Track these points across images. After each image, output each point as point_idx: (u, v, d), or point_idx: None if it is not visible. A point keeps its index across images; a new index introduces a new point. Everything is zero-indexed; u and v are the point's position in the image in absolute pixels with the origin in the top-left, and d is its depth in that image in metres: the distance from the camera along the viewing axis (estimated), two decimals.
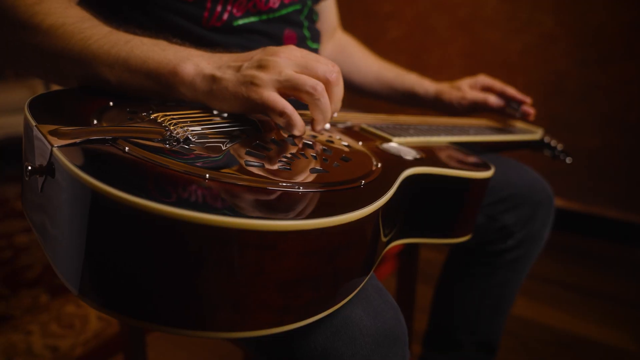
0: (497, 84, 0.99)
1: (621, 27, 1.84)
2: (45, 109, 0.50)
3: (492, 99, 0.98)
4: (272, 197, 0.42)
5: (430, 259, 1.53)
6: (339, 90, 0.58)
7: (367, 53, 1.12)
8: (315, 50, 0.91)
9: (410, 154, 0.66)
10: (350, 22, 2.44)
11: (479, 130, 0.92)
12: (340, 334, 0.49)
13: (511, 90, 0.98)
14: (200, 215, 0.35)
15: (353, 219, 0.42)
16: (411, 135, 0.76)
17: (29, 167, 0.42)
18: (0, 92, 2.41)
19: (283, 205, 0.42)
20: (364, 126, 0.76)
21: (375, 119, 0.84)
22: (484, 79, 1.00)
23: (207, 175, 0.42)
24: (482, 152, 0.97)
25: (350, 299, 0.49)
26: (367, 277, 0.52)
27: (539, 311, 1.57)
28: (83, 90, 0.60)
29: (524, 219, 0.88)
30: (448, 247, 1.03)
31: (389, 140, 0.71)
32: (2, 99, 2.37)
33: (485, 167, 0.70)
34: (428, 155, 0.69)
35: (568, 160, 1.06)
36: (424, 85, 1.05)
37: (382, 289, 0.56)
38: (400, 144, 0.71)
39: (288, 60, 0.56)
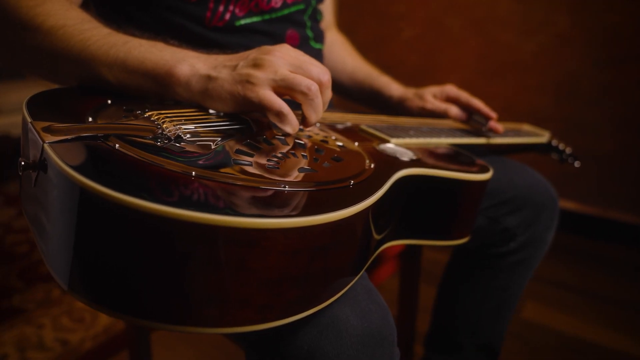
0: (463, 96, 0.95)
1: (636, 28, 1.81)
2: (43, 107, 0.52)
3: (453, 111, 0.94)
4: (256, 195, 0.42)
5: (435, 259, 1.52)
6: (329, 93, 0.59)
7: (347, 52, 1.10)
8: (319, 51, 0.91)
9: (407, 155, 0.66)
10: (362, 23, 2.44)
11: (482, 133, 0.92)
12: (326, 333, 0.49)
13: (477, 104, 0.93)
14: (181, 212, 0.35)
15: (336, 219, 0.42)
16: (411, 136, 0.76)
17: (22, 163, 0.44)
18: (20, 91, 2.47)
19: (266, 203, 0.42)
20: (364, 127, 0.76)
21: (376, 120, 0.84)
22: (450, 89, 0.96)
23: (194, 172, 0.42)
24: (487, 155, 0.96)
25: (338, 299, 0.50)
26: (357, 277, 0.52)
27: (547, 314, 1.55)
28: (82, 89, 0.61)
29: (527, 222, 0.88)
30: (451, 248, 1.03)
31: (387, 141, 0.71)
32: (21, 97, 2.43)
33: (484, 170, 0.70)
34: (425, 156, 0.69)
35: (576, 164, 1.04)
36: (391, 89, 1.01)
37: (372, 290, 0.56)
38: (398, 144, 0.71)
39: (283, 59, 0.57)
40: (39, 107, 0.51)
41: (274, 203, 0.42)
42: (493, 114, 0.91)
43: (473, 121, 0.94)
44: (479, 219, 0.86)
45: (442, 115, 0.94)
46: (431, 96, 0.96)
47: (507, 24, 2.05)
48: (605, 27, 1.86)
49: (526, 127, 1.10)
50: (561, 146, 1.06)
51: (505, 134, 0.97)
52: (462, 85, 2.37)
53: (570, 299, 1.64)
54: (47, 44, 0.58)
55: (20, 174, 0.45)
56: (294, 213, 0.41)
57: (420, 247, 1.08)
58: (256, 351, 0.53)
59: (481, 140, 0.87)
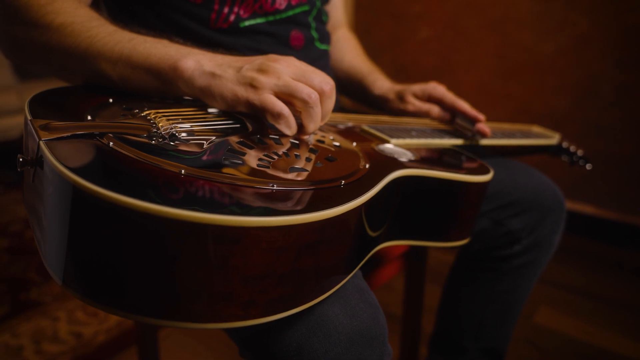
0: (448, 97, 0.89)
1: None
2: (44, 105, 0.54)
3: (435, 111, 0.90)
4: (243, 193, 0.43)
5: (442, 259, 1.51)
6: (331, 103, 0.60)
7: (348, 49, 1.07)
8: (324, 52, 0.92)
9: (405, 156, 0.66)
10: (378, 23, 2.44)
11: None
12: (315, 331, 0.50)
13: (463, 105, 0.87)
14: (164, 209, 0.36)
15: (320, 218, 0.42)
16: (412, 137, 0.75)
17: (20, 159, 0.45)
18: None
19: (253, 201, 0.43)
20: (365, 127, 0.76)
21: (379, 121, 0.84)
22: (433, 89, 0.91)
23: (182, 171, 0.43)
24: (493, 157, 0.95)
25: (328, 297, 0.50)
26: (348, 277, 0.52)
27: (559, 320, 1.52)
28: (85, 88, 0.63)
29: (532, 225, 0.86)
30: (457, 249, 1.02)
31: (387, 142, 0.71)
32: None
33: (484, 171, 0.69)
34: (425, 157, 0.69)
35: (588, 166, 1.02)
36: (375, 87, 0.98)
37: (363, 289, 0.56)
38: (397, 145, 0.71)
39: (287, 67, 0.58)
40: (40, 105, 0.53)
41: (261, 201, 0.43)
42: (481, 116, 0.86)
43: (457, 124, 0.89)
44: (483, 221, 0.86)
45: (424, 116, 0.91)
46: (412, 97, 0.92)
47: (525, 24, 2.02)
48: (625, 27, 1.82)
49: (536, 128, 1.09)
50: (572, 148, 1.04)
51: (513, 135, 0.96)
52: (478, 86, 2.35)
53: (584, 305, 1.61)
54: (55, 41, 0.60)
55: (19, 169, 0.46)
56: (279, 211, 0.41)
57: (425, 247, 1.07)
58: (247, 347, 0.54)
59: (486, 142, 0.86)
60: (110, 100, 0.59)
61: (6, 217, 2.02)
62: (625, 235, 1.98)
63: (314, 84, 0.58)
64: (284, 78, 0.57)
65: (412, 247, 1.00)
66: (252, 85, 0.56)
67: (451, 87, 0.96)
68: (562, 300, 1.62)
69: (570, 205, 2.05)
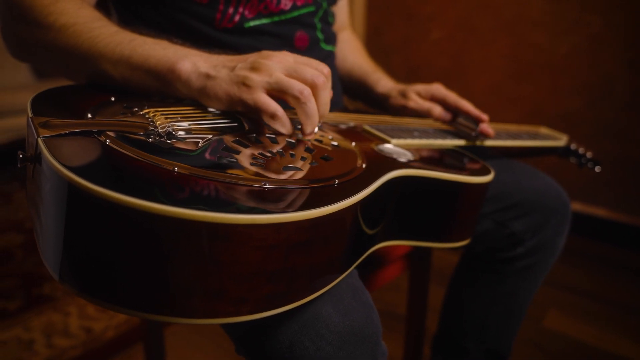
0: (451, 97, 0.88)
1: None
2: (47, 103, 0.55)
3: (437, 110, 0.89)
4: (235, 191, 0.44)
5: (447, 260, 1.50)
6: (326, 94, 0.60)
7: (351, 50, 1.07)
8: (330, 53, 0.92)
9: (404, 156, 0.66)
10: (390, 24, 2.43)
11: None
12: (307, 329, 0.50)
13: (467, 106, 0.86)
14: (157, 206, 0.37)
15: (309, 217, 0.43)
16: (413, 137, 0.75)
17: (20, 155, 0.47)
18: None
19: (244, 199, 0.43)
20: (366, 127, 0.76)
21: (381, 121, 0.84)
22: (437, 89, 0.90)
23: (176, 168, 0.44)
24: (499, 158, 0.94)
25: (321, 296, 0.50)
26: (342, 276, 0.52)
27: (569, 324, 1.50)
28: (88, 86, 0.64)
29: (535, 227, 0.86)
30: (461, 250, 1.01)
31: (387, 142, 0.71)
32: None
33: (484, 172, 0.69)
34: (425, 157, 0.69)
35: (597, 169, 1.01)
36: (379, 85, 0.98)
37: (358, 288, 0.56)
38: (398, 145, 0.71)
39: (279, 63, 0.58)
40: (43, 103, 0.54)
41: (253, 199, 0.43)
42: (484, 116, 0.85)
43: (459, 124, 0.88)
44: (486, 222, 0.85)
45: (425, 114, 0.90)
46: (415, 94, 0.92)
47: (539, 25, 2.00)
48: (639, 28, 1.78)
49: (543, 130, 1.08)
50: (581, 150, 1.03)
51: (520, 136, 0.95)
52: (490, 87, 2.33)
53: (593, 308, 1.59)
54: (58, 42, 0.61)
55: (19, 166, 0.47)
56: (270, 209, 0.42)
57: (428, 248, 1.07)
58: (242, 344, 0.55)
59: (491, 143, 0.86)
60: (112, 98, 0.60)
61: (21, 213, 2.06)
62: (637, 239, 1.94)
63: (306, 78, 0.58)
64: (276, 75, 0.57)
65: (415, 248, 0.99)
66: (245, 84, 0.57)
67: (463, 88, 0.95)
68: (572, 304, 1.60)
69: (581, 208, 2.02)
